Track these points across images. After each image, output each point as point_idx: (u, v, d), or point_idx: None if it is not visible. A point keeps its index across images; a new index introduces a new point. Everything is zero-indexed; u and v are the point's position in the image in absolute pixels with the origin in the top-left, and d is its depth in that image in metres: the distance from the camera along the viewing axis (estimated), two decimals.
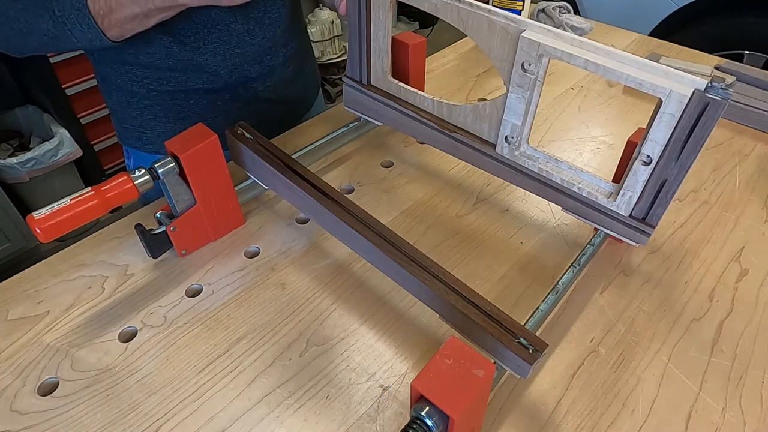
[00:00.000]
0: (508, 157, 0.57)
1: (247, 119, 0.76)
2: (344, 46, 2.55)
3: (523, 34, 0.48)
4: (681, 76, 0.42)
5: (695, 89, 0.41)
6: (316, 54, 2.34)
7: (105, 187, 0.50)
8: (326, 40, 2.45)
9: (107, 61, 0.72)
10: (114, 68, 0.72)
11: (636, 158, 0.48)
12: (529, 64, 0.49)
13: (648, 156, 0.47)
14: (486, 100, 0.56)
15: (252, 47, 0.73)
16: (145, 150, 0.79)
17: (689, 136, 0.44)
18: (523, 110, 0.52)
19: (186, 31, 0.68)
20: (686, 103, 0.42)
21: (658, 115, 0.44)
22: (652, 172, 0.48)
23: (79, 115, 1.86)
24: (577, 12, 1.58)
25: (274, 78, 0.79)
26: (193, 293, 0.57)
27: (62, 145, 1.77)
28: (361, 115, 0.72)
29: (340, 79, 0.82)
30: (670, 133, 0.44)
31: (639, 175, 0.48)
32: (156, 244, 0.58)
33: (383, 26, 0.61)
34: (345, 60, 0.69)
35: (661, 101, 0.43)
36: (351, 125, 0.75)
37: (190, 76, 0.72)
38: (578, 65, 0.45)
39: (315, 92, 0.92)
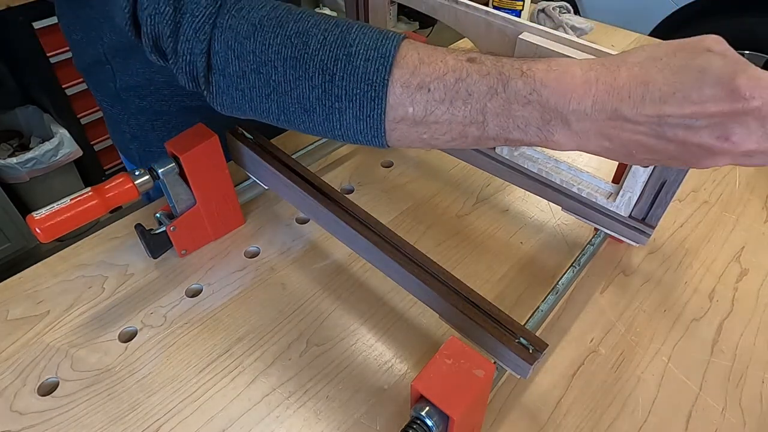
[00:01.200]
0: (507, 157, 0.57)
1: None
2: None
3: (520, 37, 0.48)
4: None
5: None
6: None
7: (105, 187, 0.50)
8: None
9: (130, 87, 0.68)
10: (137, 92, 0.68)
11: None
12: None
13: None
14: None
15: None
16: None
17: None
18: None
19: None
20: None
21: None
22: (651, 174, 0.48)
23: (79, 115, 1.86)
24: (577, 12, 1.58)
25: None
26: (193, 293, 0.57)
27: (62, 145, 1.77)
28: None
29: None
30: None
31: (638, 176, 0.48)
32: (156, 244, 0.58)
33: (382, 27, 0.61)
34: None
35: None
36: None
37: None
38: None
39: None
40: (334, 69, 0.35)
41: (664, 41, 0.33)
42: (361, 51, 0.35)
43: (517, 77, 0.33)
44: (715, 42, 0.31)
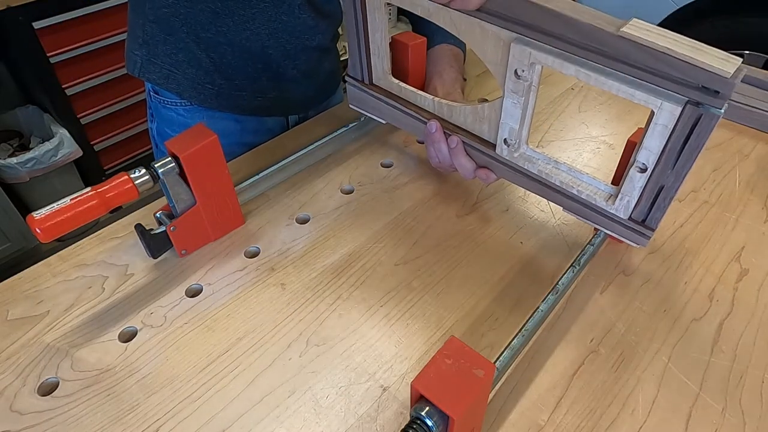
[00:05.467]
0: (507, 157, 0.57)
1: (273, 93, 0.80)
2: (344, 46, 2.55)
3: (513, 43, 0.48)
4: (673, 88, 0.41)
5: (687, 102, 0.41)
6: None
7: (105, 187, 0.50)
8: None
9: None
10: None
11: (632, 165, 0.47)
12: (522, 71, 0.49)
13: (643, 164, 0.46)
14: (486, 100, 0.56)
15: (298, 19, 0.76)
16: (170, 90, 0.80)
17: (684, 146, 0.43)
18: (520, 115, 0.52)
19: None
20: (678, 115, 0.41)
21: (651, 125, 0.43)
22: (648, 179, 0.47)
23: (79, 115, 1.87)
24: None
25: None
26: (193, 293, 0.57)
27: (62, 145, 1.78)
28: (365, 113, 0.72)
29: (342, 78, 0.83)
30: (664, 142, 0.44)
31: (635, 181, 0.48)
32: (156, 244, 0.58)
33: (380, 28, 0.60)
34: (346, 59, 0.71)
35: (653, 112, 0.43)
36: (351, 125, 0.75)
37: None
38: (569, 74, 0.45)
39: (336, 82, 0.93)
40: None
41: None
42: None
43: None
44: None
